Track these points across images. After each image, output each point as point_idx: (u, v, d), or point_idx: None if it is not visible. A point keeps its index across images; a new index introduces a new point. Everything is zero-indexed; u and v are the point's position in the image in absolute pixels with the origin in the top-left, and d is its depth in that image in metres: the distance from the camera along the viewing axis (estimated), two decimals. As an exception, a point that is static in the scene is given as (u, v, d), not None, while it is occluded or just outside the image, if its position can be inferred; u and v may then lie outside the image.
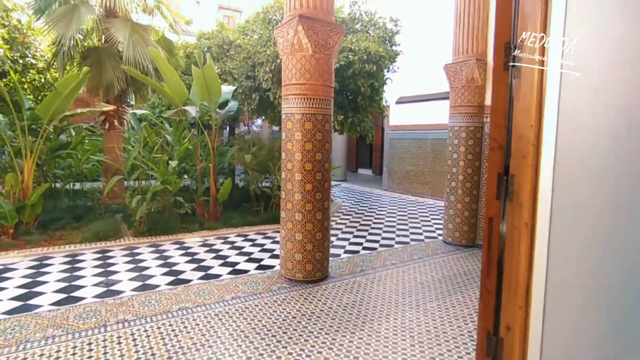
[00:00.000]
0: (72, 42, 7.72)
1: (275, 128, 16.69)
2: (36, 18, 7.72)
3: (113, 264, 5.01)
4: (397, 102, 12.06)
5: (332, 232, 7.01)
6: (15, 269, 4.76)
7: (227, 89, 8.13)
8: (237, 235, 6.68)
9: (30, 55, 8.25)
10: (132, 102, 11.70)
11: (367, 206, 9.87)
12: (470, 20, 5.64)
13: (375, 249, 5.93)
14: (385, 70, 7.73)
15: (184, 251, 5.67)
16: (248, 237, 6.57)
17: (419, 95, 11.38)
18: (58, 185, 8.35)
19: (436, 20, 10.35)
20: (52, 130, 7.72)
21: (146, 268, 4.88)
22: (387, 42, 7.68)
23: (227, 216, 7.54)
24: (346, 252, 5.76)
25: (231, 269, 4.91)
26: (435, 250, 5.81)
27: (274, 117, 8.15)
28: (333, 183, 12.26)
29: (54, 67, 7.96)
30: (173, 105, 7.73)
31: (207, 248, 5.85)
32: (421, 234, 6.98)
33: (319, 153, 4.16)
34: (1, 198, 5.81)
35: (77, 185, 9.30)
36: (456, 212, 5.92)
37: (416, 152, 11.43)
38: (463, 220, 5.88)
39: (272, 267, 4.99)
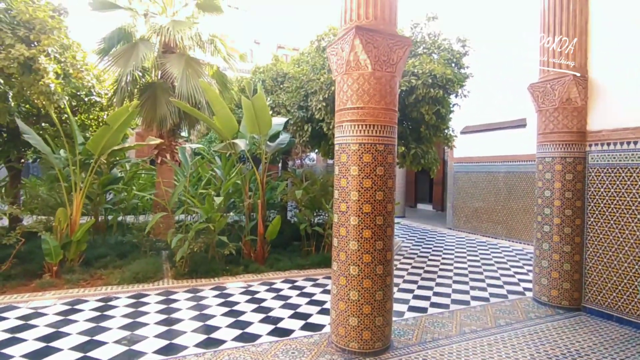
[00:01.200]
0: (129, 78, 7.82)
1: (330, 161, 16.20)
2: (100, 59, 7.97)
3: (143, 313, 4.46)
4: (462, 132, 10.96)
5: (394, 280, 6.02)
6: (44, 314, 4.38)
7: (278, 121, 7.70)
8: (283, 281, 5.94)
9: (95, 94, 8.51)
10: (188, 137, 11.85)
11: (430, 247, 8.71)
12: (564, 29, 4.66)
13: (447, 306, 4.85)
14: (453, 95, 6.83)
15: (222, 300, 5.01)
16: (296, 284, 5.79)
17: (486, 124, 10.23)
18: (111, 218, 8.29)
19: (506, 39, 9.34)
20: (104, 163, 7.72)
21: (178, 321, 4.26)
22: (453, 64, 6.84)
23: (274, 258, 6.87)
24: (410, 309, 4.75)
25: (273, 327, 4.13)
26: (527, 312, 4.59)
27: (328, 150, 7.51)
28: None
29: (114, 103, 8.10)
30: (223, 139, 7.43)
31: (249, 296, 5.15)
32: (502, 286, 5.75)
33: (380, 192, 3.35)
34: (49, 234, 5.63)
35: (133, 219, 9.25)
36: (552, 264, 4.71)
37: (486, 186, 10.14)
38: (562, 275, 4.65)
39: (321, 327, 4.14)
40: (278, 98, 9.70)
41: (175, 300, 4.93)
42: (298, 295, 5.28)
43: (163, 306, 4.73)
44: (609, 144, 4.42)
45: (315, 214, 7.58)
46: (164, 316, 4.40)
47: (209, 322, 4.24)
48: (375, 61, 3.36)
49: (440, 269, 6.75)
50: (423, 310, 4.71)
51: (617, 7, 4.43)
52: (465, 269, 6.81)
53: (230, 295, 5.22)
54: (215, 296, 5.16)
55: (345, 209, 3.41)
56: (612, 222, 4.36)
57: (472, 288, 5.64)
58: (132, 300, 4.94)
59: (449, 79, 6.11)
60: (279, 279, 6.04)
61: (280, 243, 7.60)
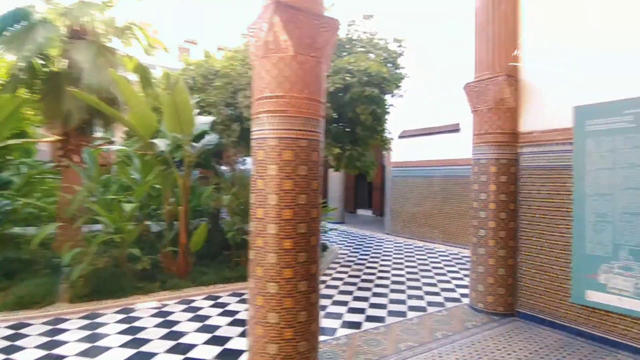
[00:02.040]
0: (26, 65, 6.66)
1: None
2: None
3: (16, 349, 3.56)
4: (400, 137, 10.96)
5: (326, 291, 5.58)
6: None
7: (204, 120, 7.00)
8: (206, 298, 5.25)
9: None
10: (108, 137, 10.60)
11: (368, 254, 8.45)
12: (496, 30, 4.57)
13: (383, 319, 4.49)
14: (389, 95, 6.62)
15: (126, 325, 4.22)
16: (219, 301, 5.13)
17: (423, 129, 10.30)
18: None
19: (441, 42, 9.46)
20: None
21: (61, 359, 3.43)
22: (390, 64, 6.65)
23: (199, 270, 6.14)
24: (344, 324, 4.32)
25: (182, 357, 3.47)
26: (463, 321, 4.37)
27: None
28: (329, 226, 10.90)
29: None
30: (140, 138, 6.58)
31: (161, 319, 4.41)
32: (439, 294, 5.55)
33: (302, 195, 2.87)
34: None
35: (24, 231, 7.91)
36: (487, 269, 4.55)
37: (423, 191, 10.17)
38: (497, 280, 4.50)
39: (240, 353, 3.55)
40: (209, 97, 8.95)
41: (63, 331, 4.04)
42: (220, 314, 4.63)
43: (47, 338, 3.84)
44: (539, 145, 4.36)
45: (246, 222, 6.96)
46: (42, 352, 3.53)
47: (103, 356, 3.47)
48: (297, 43, 2.89)
49: (378, 277, 6.45)
50: (357, 325, 4.30)
51: (544, 11, 4.42)
52: (403, 276, 6.58)
53: (137, 318, 4.43)
54: (118, 321, 4.35)
55: (262, 215, 2.88)
56: (543, 224, 4.29)
57: (410, 297, 5.37)
58: (9, 332, 3.98)
59: (384, 78, 5.86)
60: (200, 296, 5.33)
61: (208, 253, 6.86)
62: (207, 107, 8.41)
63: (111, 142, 13.51)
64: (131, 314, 4.58)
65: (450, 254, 8.57)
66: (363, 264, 7.44)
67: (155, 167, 6.73)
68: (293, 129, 2.87)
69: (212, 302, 5.07)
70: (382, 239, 10.53)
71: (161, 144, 6.19)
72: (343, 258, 8.04)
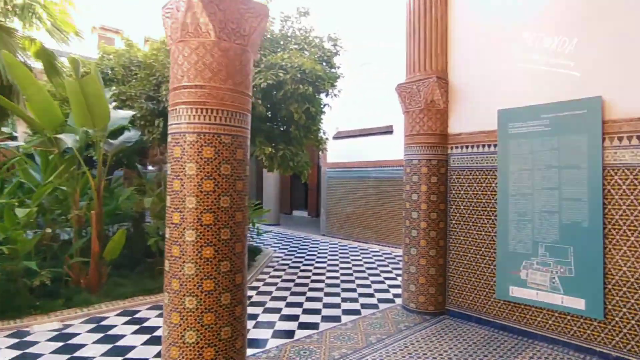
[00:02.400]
0: None
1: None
2: None
3: None
4: (335, 138, 10.96)
5: (258, 298, 5.28)
6: None
7: (122, 114, 6.30)
8: (120, 313, 4.67)
9: None
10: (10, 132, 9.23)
11: (303, 256, 8.27)
12: (427, 32, 4.63)
13: (317, 325, 4.31)
14: (324, 94, 6.50)
15: (18, 352, 3.56)
16: (137, 316, 4.59)
17: (357, 130, 10.39)
18: None
19: (375, 45, 9.61)
20: None
21: None
22: (325, 63, 6.52)
23: (114, 282, 5.48)
24: (276, 334, 4.05)
25: (83, 388, 2.97)
26: (397, 323, 4.34)
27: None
28: (264, 228, 10.55)
29: None
30: (41, 132, 5.73)
31: (61, 343, 3.79)
32: (373, 295, 5.52)
33: (225, 197, 2.57)
34: None
35: None
36: (419, 269, 4.58)
37: (357, 192, 10.25)
38: (428, 280, 4.54)
39: (157, 377, 3.14)
40: (130, 90, 8.16)
41: None
42: (135, 331, 4.12)
43: None
44: (467, 147, 4.48)
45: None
46: None
47: (-23, 396, 2.85)
48: (220, 28, 2.59)
49: (312, 281, 6.28)
50: (290, 334, 4.06)
51: (471, 18, 4.56)
52: (337, 278, 6.48)
53: (32, 343, 3.77)
54: (9, 347, 3.66)
55: (179, 220, 2.52)
56: (470, 223, 4.41)
57: (344, 300, 5.26)
58: None
59: (319, 76, 5.71)
60: (114, 311, 4.73)
61: (128, 263, 6.20)
62: (128, 100, 7.65)
63: (12, 138, 11.85)
64: (25, 338, 3.89)
65: (384, 253, 8.70)
66: (298, 267, 7.23)
67: (61, 166, 5.91)
68: (214, 124, 2.56)
69: (127, 318, 4.51)
70: (318, 241, 10.43)
71: (68, 139, 5.43)
72: (277, 261, 7.76)
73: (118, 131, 6.33)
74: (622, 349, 3.39)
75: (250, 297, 5.31)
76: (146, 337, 3.97)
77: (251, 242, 8.97)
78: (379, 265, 7.47)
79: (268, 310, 4.80)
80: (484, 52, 4.39)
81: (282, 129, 6.57)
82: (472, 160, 4.43)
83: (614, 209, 3.44)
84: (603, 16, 3.56)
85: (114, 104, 6.70)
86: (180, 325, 2.49)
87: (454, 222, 4.57)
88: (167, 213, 2.60)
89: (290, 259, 7.98)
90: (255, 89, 5.62)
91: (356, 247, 9.44)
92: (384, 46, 9.29)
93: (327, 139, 7.22)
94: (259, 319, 4.48)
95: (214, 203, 2.52)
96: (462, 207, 4.49)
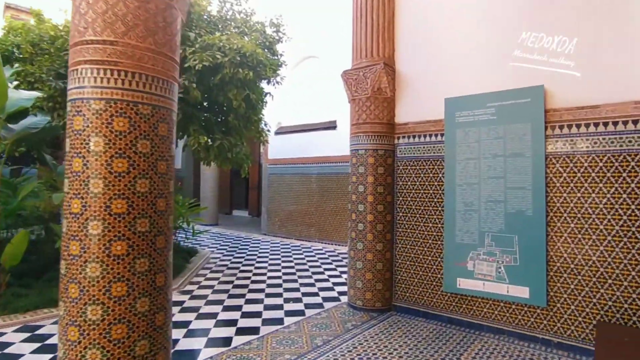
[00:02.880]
0: None
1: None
2: None
3: None
4: (277, 133, 10.57)
5: (192, 302, 4.73)
6: None
7: (25, 94, 5.39)
8: (19, 329, 3.88)
9: None
10: None
11: (243, 256, 7.76)
12: (375, 16, 4.44)
13: (258, 330, 3.90)
14: (265, 82, 6.09)
15: None
16: (38, 332, 3.84)
17: (300, 125, 10.10)
18: None
19: (320, 38, 9.39)
20: None
21: None
22: (266, 50, 6.11)
23: (14, 293, 4.62)
24: (210, 342, 3.58)
25: None
26: (344, 322, 4.07)
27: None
28: (201, 228, 9.84)
29: None
30: None
31: None
32: (317, 294, 5.22)
33: (143, 180, 2.09)
34: None
35: None
36: (366, 264, 4.36)
37: (299, 188, 9.94)
38: (375, 275, 4.34)
39: (56, 407, 2.54)
40: (39, 70, 7.10)
41: None
42: (35, 350, 3.40)
43: None
44: (414, 137, 4.36)
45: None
46: None
47: None
48: (137, -27, 2.11)
49: (253, 282, 5.84)
50: (227, 341, 3.61)
51: (417, 4, 4.45)
52: (280, 277, 6.10)
53: None
54: None
55: (79, 208, 2.00)
56: (417, 215, 4.29)
57: (287, 300, 4.90)
58: None
59: (260, 61, 5.30)
60: (12, 327, 3.93)
61: (34, 270, 5.29)
62: (37, 82, 6.62)
63: None
64: None
65: (327, 251, 8.47)
66: (237, 268, 6.73)
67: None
68: (130, 90, 2.07)
69: (27, 335, 3.75)
70: (259, 240, 9.95)
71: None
72: (215, 263, 7.18)
73: (20, 114, 5.40)
74: (563, 334, 3.42)
75: (183, 302, 4.74)
76: (47, 357, 3.28)
77: (186, 243, 8.27)
78: (322, 264, 7.21)
79: (202, 316, 4.29)
80: (430, 39, 4.30)
81: (219, 118, 6.05)
82: (419, 150, 4.31)
83: (556, 197, 3.47)
84: (544, 6, 3.60)
85: (15, 83, 5.72)
86: (79, 342, 1.96)
87: (401, 214, 4.42)
88: (65, 200, 2.06)
89: (229, 260, 7.44)
90: (188, 71, 5.06)
91: (299, 246, 9.12)
92: (328, 40, 9.09)
93: (268, 131, 6.80)
94: (191, 327, 3.96)
95: (128, 187, 2.03)
96: (409, 198, 4.35)
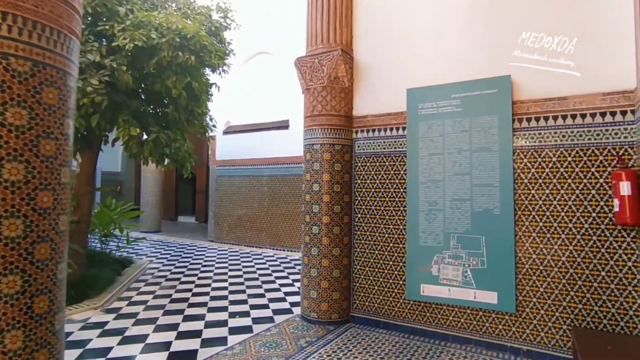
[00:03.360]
0: None
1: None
2: None
3: None
4: (226, 132, 9.90)
5: (117, 323, 4.00)
6: None
7: None
8: None
9: None
10: None
11: (186, 265, 7.02)
12: (332, 2, 4.05)
13: (195, 353, 3.30)
14: (210, 70, 5.49)
15: None
16: None
17: (251, 125, 9.51)
18: None
19: (272, 34, 8.90)
20: None
21: None
22: (212, 36, 5.52)
23: None
24: (135, 373, 2.94)
25: None
26: (296, 339, 3.58)
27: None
28: (140, 235, 8.92)
29: None
30: None
31: None
32: (267, 306, 4.69)
33: (15, 164, 1.48)
34: None
35: None
36: (321, 272, 3.91)
37: (249, 192, 9.32)
38: (332, 283, 3.91)
39: None
40: None
41: None
42: None
43: None
44: (373, 130, 4.00)
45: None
46: None
47: None
48: None
49: (194, 294, 5.17)
50: (155, 370, 2.99)
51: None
52: (226, 288, 5.48)
53: None
54: None
55: None
56: (377, 216, 3.92)
57: (232, 315, 4.32)
58: None
59: (204, 45, 4.71)
60: None
61: None
62: None
63: None
64: None
65: (279, 258, 7.94)
66: (177, 279, 6.00)
67: None
68: (-4, 36, 1.47)
69: None
70: (205, 247, 9.18)
71: None
72: (152, 274, 6.39)
73: None
74: (532, 341, 3.19)
75: (105, 324, 4.00)
76: None
77: (121, 252, 7.35)
78: (273, 271, 6.67)
79: (127, 340, 3.59)
80: (391, 26, 3.98)
81: (158, 110, 5.34)
82: (379, 145, 3.96)
83: (524, 194, 3.25)
84: (510, -7, 3.41)
85: None
86: None
87: (359, 215, 4.03)
88: None
89: (169, 270, 6.67)
90: (118, 52, 4.36)
91: (248, 253, 8.49)
92: (281, 34, 8.63)
93: (214, 126, 6.18)
94: (111, 355, 3.27)
95: (-10, 173, 1.42)
96: (368, 198, 3.98)
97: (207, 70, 5.54)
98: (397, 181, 3.83)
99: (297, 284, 5.74)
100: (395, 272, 3.79)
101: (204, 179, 13.99)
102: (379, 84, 4.01)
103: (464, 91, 3.51)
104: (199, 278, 6.09)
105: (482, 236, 3.37)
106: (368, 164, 4.00)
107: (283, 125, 8.82)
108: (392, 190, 3.85)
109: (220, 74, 5.58)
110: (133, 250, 8.54)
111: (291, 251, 8.45)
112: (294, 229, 8.49)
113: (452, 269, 3.48)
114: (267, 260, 7.64)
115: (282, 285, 5.74)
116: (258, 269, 6.88)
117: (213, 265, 7.06)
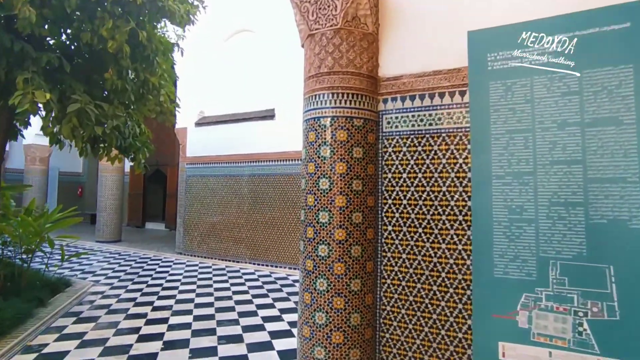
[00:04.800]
0: None
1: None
2: None
3: None
4: (199, 124, 8.38)
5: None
6: None
7: None
8: None
9: None
10: None
11: (140, 289, 5.45)
12: None
13: None
14: (173, 26, 4.03)
15: None
16: None
17: (228, 115, 8.03)
18: None
19: (256, 8, 7.49)
20: None
21: None
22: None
23: None
24: None
25: None
26: None
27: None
28: (94, 246, 7.33)
29: None
30: None
31: None
32: (245, 357, 3.23)
33: None
34: None
35: None
36: (332, 317, 2.48)
37: (226, 195, 7.81)
38: (349, 335, 2.48)
39: None
40: None
41: None
42: None
43: None
44: (412, 98, 2.62)
45: None
46: None
47: None
48: None
49: (141, 337, 3.65)
50: None
51: None
52: (189, 326, 3.98)
53: None
54: None
55: None
56: (420, 230, 2.53)
57: (191, 379, 2.85)
58: None
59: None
60: None
61: None
62: None
63: None
64: None
65: (261, 276, 6.46)
66: (124, 311, 4.46)
67: None
68: None
69: None
70: (170, 262, 7.60)
71: None
72: (93, 301, 4.82)
73: None
74: None
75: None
76: None
77: (59, 272, 5.75)
78: (254, 296, 5.19)
79: None
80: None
81: (90, 74, 3.81)
82: (422, 121, 2.58)
83: (686, 196, 1.93)
84: None
85: None
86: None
87: (391, 228, 2.63)
88: None
89: (117, 296, 5.10)
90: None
91: (223, 269, 6.97)
92: (266, 9, 7.24)
93: (177, 107, 4.67)
94: None
95: None
96: (405, 201, 2.59)
97: (167, 27, 4.06)
98: (452, 175, 2.45)
99: (288, 317, 4.29)
100: (452, 320, 2.40)
101: (176, 180, 12.36)
102: (421, 26, 2.63)
103: (569, 28, 2.17)
104: (154, 309, 4.56)
105: (608, 265, 2.02)
106: (404, 149, 2.61)
107: (268, 115, 7.38)
108: (444, 189, 2.47)
109: (183, 27, 4.06)
110: (79, 267, 6.91)
111: (275, 267, 6.99)
112: (279, 239, 7.03)
113: (555, 319, 2.11)
114: (247, 280, 6.15)
115: (266, 319, 4.27)
116: (235, 292, 5.39)
117: (176, 289, 5.52)
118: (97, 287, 5.54)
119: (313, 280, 2.54)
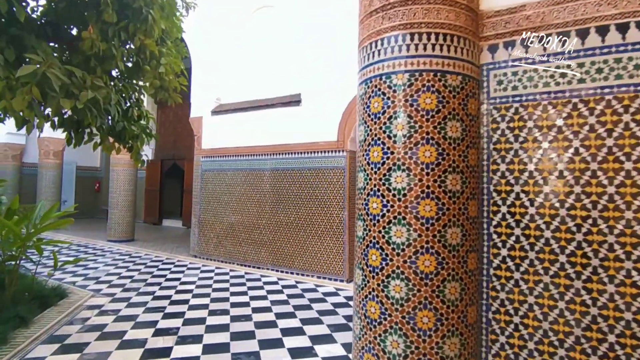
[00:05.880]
0: None
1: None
2: None
3: None
4: (215, 113, 7.52)
5: None
6: None
7: None
8: None
9: None
10: None
11: (145, 302, 4.63)
12: None
13: None
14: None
15: None
16: None
17: (248, 102, 7.14)
18: None
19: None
20: None
21: None
22: None
23: None
24: None
25: None
26: None
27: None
28: (106, 246, 6.61)
29: None
30: None
31: None
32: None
33: None
34: None
35: None
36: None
37: (245, 191, 6.94)
38: None
39: None
40: None
41: None
42: None
43: None
44: (545, 41, 1.62)
45: None
46: None
47: None
48: None
49: (134, 379, 2.79)
50: None
51: None
52: (197, 359, 3.10)
53: None
54: None
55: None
56: (563, 259, 1.54)
57: None
58: None
59: None
60: None
61: None
62: None
63: None
64: None
65: (285, 286, 5.54)
66: (120, 335, 3.61)
67: None
68: None
69: None
70: (183, 266, 6.79)
71: None
72: (86, 319, 4.01)
73: None
74: None
75: None
76: None
77: (54, 279, 5.00)
78: (279, 315, 4.27)
79: None
80: None
81: (66, 35, 2.97)
82: (563, 77, 1.57)
83: None
84: None
85: None
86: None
87: (505, 252, 1.64)
88: None
89: (117, 312, 4.28)
90: None
91: (242, 277, 6.10)
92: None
93: (183, 84, 3.75)
94: None
95: None
96: (532, 208, 1.59)
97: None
98: (628, 166, 1.44)
99: (320, 349, 3.35)
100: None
101: (192, 175, 11.62)
102: None
103: None
104: (156, 332, 3.70)
105: None
106: (530, 125, 1.61)
107: (293, 101, 6.43)
108: (611, 190, 1.46)
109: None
110: (84, 271, 6.19)
111: (302, 275, 6.07)
112: (306, 245, 6.11)
113: None
114: (269, 292, 5.24)
115: (295, 352, 3.34)
116: (255, 308, 4.50)
117: (187, 303, 4.66)
118: (96, 298, 4.76)
119: (381, 337, 1.57)
